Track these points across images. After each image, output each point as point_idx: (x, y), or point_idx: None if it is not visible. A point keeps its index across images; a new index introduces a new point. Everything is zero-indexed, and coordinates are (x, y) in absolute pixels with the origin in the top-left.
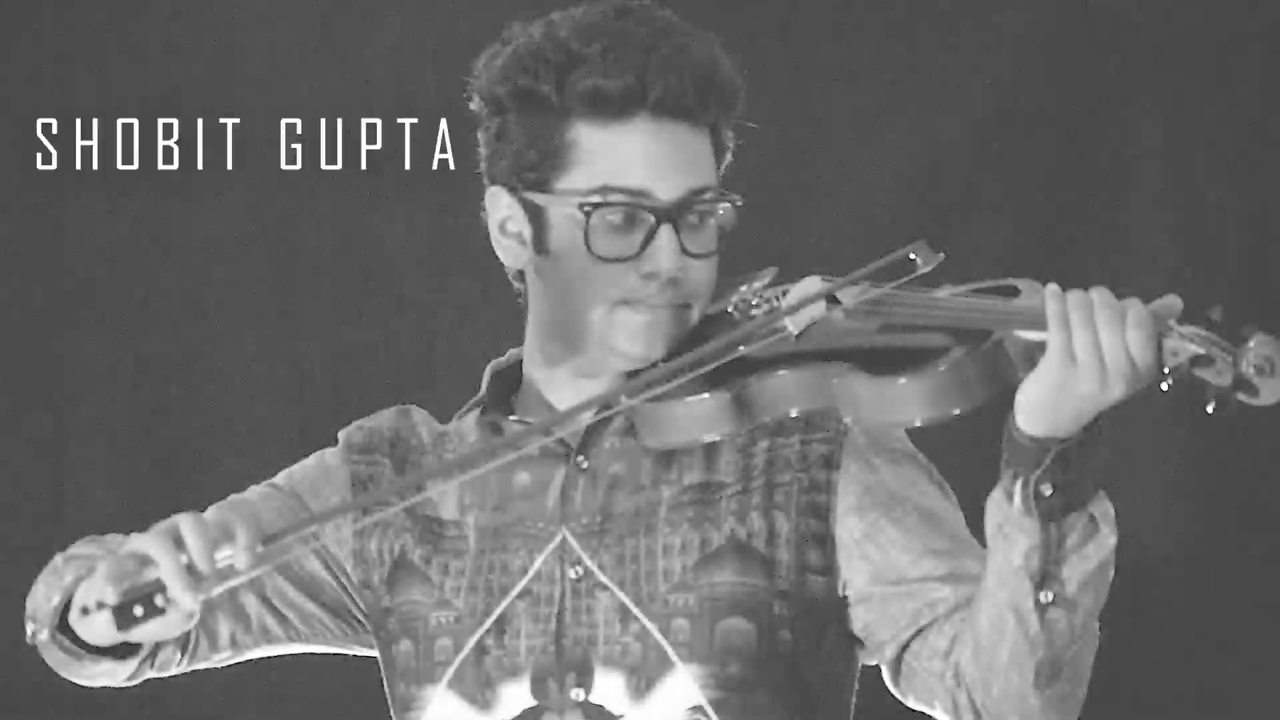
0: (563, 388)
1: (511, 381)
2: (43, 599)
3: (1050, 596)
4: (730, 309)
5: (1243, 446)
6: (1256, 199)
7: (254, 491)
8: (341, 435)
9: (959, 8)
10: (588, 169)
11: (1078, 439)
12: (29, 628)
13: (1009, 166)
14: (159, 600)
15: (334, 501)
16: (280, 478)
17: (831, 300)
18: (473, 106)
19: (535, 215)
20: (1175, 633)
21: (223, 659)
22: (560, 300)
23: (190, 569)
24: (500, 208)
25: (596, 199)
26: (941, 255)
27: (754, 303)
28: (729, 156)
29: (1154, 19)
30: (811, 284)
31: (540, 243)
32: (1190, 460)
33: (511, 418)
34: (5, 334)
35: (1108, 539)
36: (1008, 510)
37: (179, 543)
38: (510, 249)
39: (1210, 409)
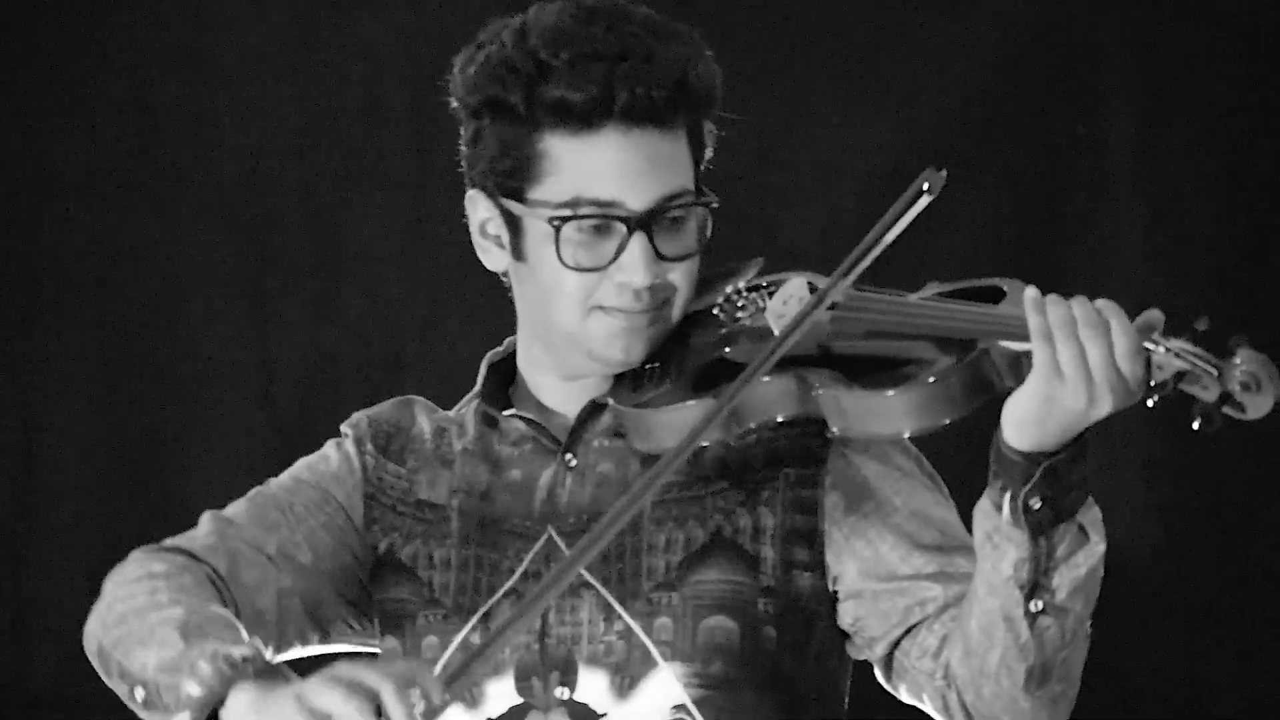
0: (551, 387)
1: (507, 374)
2: (158, 670)
3: (1040, 605)
4: (715, 310)
5: (1219, 448)
6: (1229, 198)
7: (277, 485)
8: (347, 427)
9: (933, 7)
10: (559, 180)
11: (1066, 453)
12: (139, 692)
13: (981, 164)
14: None
15: (355, 497)
16: (301, 471)
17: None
18: (452, 105)
19: (512, 222)
20: (1157, 630)
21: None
22: (538, 306)
23: None
24: (479, 210)
25: (566, 212)
26: (944, 173)
27: (739, 304)
28: (710, 151)
29: (1128, 19)
30: (798, 284)
31: (518, 249)
32: (1165, 460)
33: (506, 412)
34: None
35: (1097, 546)
36: (996, 521)
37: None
38: (490, 252)
39: (1196, 426)
